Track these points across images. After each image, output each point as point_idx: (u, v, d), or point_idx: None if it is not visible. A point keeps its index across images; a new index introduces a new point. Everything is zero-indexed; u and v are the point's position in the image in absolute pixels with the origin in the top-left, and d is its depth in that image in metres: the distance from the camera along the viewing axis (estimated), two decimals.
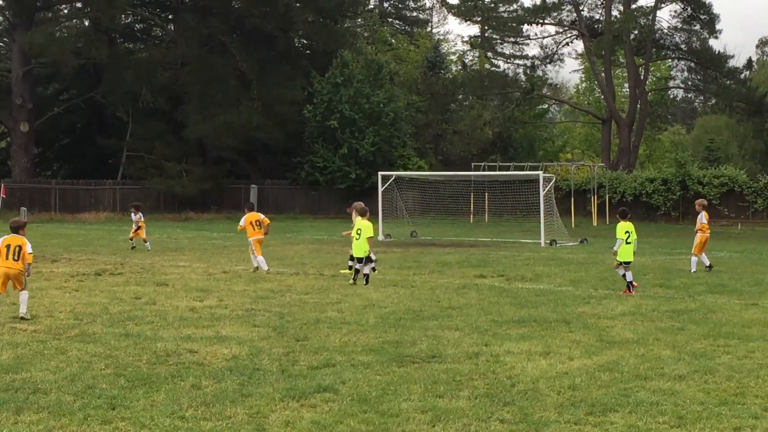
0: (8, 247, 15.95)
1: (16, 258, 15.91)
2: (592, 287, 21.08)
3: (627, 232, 20.31)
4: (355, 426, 9.05)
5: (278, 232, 47.49)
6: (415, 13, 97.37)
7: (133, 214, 35.39)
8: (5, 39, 76.23)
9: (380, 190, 44.48)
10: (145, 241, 34.00)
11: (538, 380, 11.18)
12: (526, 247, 35.25)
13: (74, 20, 78.42)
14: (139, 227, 34.60)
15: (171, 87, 70.46)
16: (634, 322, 15.82)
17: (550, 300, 18.79)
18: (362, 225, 21.69)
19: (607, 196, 61.06)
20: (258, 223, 25.74)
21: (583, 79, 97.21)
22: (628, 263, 20.21)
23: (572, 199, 57.57)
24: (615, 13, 77.23)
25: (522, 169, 59.70)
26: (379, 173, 46.14)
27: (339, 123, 67.26)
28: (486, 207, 60.03)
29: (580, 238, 40.24)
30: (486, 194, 59.32)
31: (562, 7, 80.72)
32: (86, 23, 75.75)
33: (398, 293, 19.98)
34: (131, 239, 34.77)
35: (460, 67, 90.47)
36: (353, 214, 23.57)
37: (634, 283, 20.26)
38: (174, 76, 70.59)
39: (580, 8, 79.81)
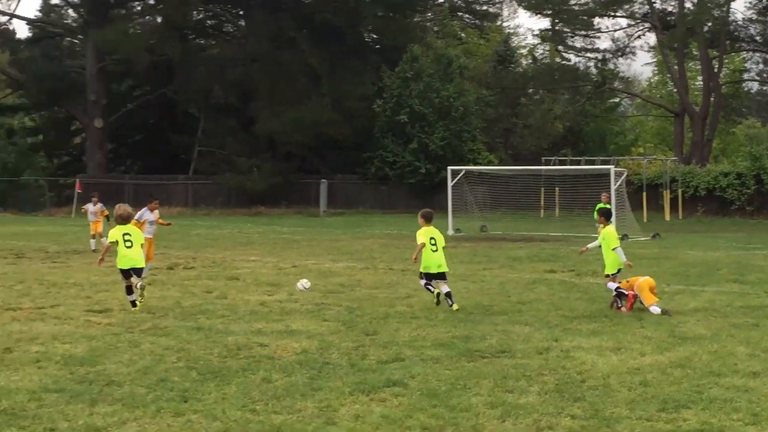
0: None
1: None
2: (665, 282, 20.81)
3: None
4: (424, 420, 9.04)
5: (348, 227, 47.67)
6: (485, 7, 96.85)
7: (91, 205, 32.36)
8: (80, 36, 77.41)
9: (450, 184, 44.42)
10: (98, 236, 30.57)
11: (609, 376, 11.07)
12: None
13: (147, 17, 79.56)
14: (99, 219, 31.46)
15: (242, 83, 70.93)
16: (707, 318, 15.61)
17: None
18: (435, 233, 17.39)
19: (680, 190, 60.30)
20: None
21: (656, 72, 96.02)
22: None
23: (644, 193, 56.97)
24: (688, 5, 76.17)
25: (593, 163, 59.18)
26: (449, 168, 46.06)
27: (409, 117, 67.26)
28: (556, 202, 59.65)
29: (652, 233, 39.83)
30: (556, 189, 58.95)
31: (634, 0, 79.87)
32: (158, 20, 76.65)
33: (468, 288, 19.92)
34: (94, 237, 31.06)
35: (530, 61, 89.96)
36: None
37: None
38: (245, 72, 71.01)
39: (653, 0, 78.88)
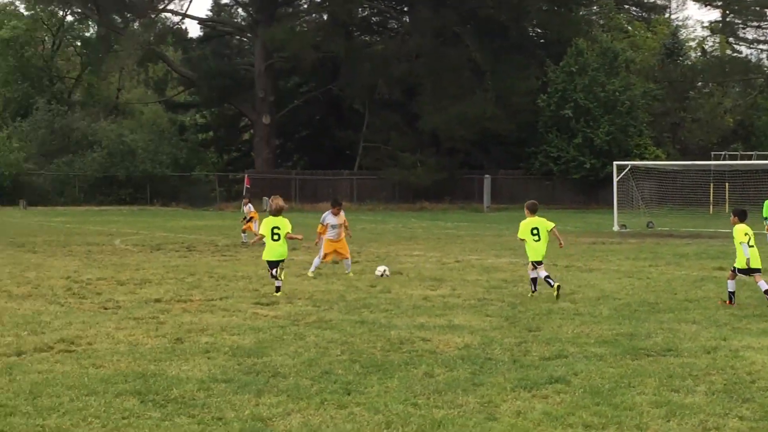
0: None
1: None
2: None
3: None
4: (587, 418, 8.95)
5: (511, 223, 47.49)
6: None
7: (243, 206, 33.86)
8: (249, 35, 79.17)
9: (615, 180, 43.86)
10: (249, 232, 31.36)
11: None
12: None
13: (313, 15, 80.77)
14: (250, 219, 32.23)
15: (406, 79, 71.36)
16: None
17: None
18: (539, 222, 18.35)
19: None
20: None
21: None
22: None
23: None
24: None
25: (765, 158, 57.52)
26: (615, 163, 45.51)
27: (573, 112, 66.70)
28: (726, 198, 58.17)
29: None
30: (726, 184, 57.48)
31: None
32: (324, 18, 77.73)
33: (633, 285, 19.64)
34: (244, 232, 32.44)
35: (699, 54, 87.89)
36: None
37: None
38: (409, 68, 71.45)
39: None
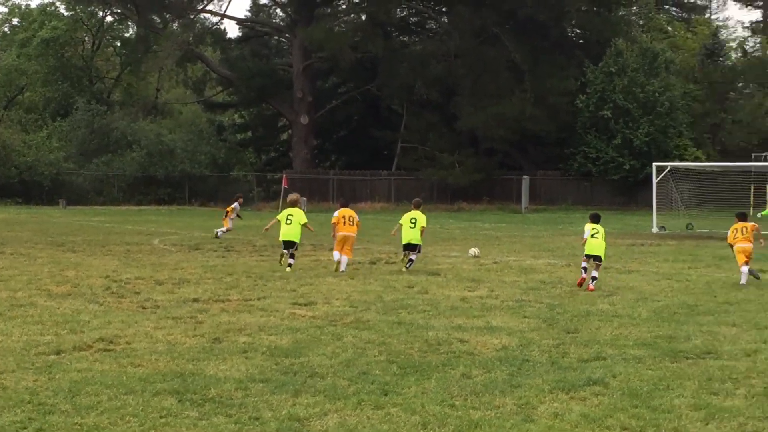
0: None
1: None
2: None
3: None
4: (625, 420, 8.92)
5: (550, 224, 47.39)
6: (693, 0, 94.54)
7: (237, 205, 35.60)
8: (287, 35, 79.35)
9: (654, 181, 43.62)
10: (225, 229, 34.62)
11: None
12: None
13: (351, 15, 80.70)
14: (236, 216, 35.39)
15: (444, 79, 71.28)
16: None
17: None
18: (417, 215, 22.76)
19: None
20: (350, 219, 22.78)
21: None
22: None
23: None
24: None
25: None
26: (654, 164, 45.26)
27: (612, 113, 66.40)
28: None
29: None
30: (767, 186, 56.94)
31: None
32: (363, 18, 77.70)
33: (672, 287, 19.53)
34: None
35: (740, 54, 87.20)
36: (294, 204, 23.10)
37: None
38: (447, 68, 71.37)
39: None
